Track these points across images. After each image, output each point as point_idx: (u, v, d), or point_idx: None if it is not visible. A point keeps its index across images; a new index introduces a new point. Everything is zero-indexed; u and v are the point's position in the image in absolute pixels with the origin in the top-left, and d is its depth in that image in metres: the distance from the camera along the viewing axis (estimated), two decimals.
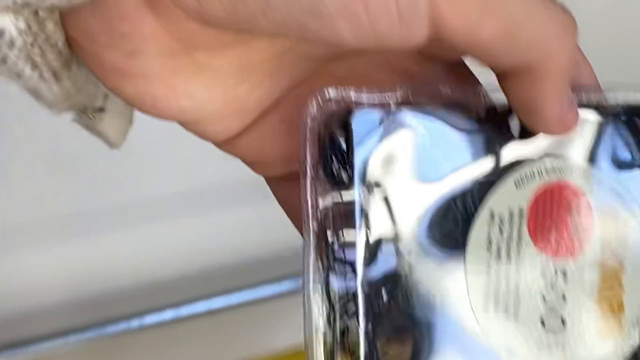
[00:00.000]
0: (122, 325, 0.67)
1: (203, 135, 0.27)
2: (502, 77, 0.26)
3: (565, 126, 0.27)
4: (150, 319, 0.68)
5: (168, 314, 0.67)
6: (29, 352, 0.66)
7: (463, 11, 0.23)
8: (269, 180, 0.30)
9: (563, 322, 0.28)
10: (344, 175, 0.26)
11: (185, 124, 0.27)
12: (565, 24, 0.25)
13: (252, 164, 0.29)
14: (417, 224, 0.27)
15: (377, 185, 0.26)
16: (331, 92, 0.26)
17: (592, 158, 0.28)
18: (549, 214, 0.28)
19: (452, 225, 0.27)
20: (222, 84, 0.26)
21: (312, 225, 0.26)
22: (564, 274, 0.28)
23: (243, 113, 0.27)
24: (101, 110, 0.28)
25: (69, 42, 0.25)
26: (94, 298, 0.69)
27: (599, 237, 0.28)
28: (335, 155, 0.26)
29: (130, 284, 0.70)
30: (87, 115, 0.28)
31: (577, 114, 0.27)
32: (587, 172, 0.28)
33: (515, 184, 0.28)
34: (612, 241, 0.28)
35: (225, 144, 0.28)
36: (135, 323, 0.67)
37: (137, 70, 0.25)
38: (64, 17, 0.24)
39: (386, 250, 0.26)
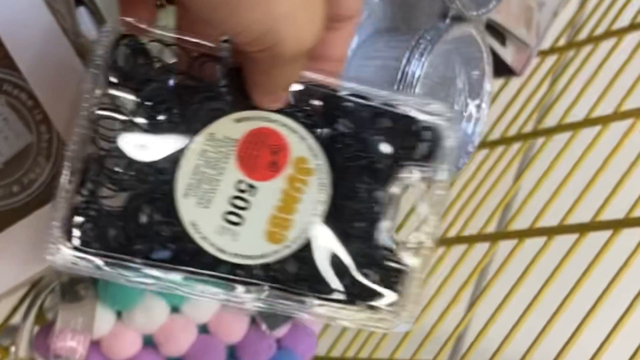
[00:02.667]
0: None
1: None
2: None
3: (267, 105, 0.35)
4: None
5: None
6: None
7: None
8: None
9: (241, 221, 0.38)
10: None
11: None
12: (297, 22, 0.29)
13: None
14: None
15: None
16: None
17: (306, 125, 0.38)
18: (255, 147, 0.38)
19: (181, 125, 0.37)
20: None
21: None
22: (254, 190, 0.38)
23: None
24: None
25: None
26: None
27: (287, 172, 0.38)
28: None
29: None
30: None
31: (277, 102, 0.35)
32: (297, 129, 0.38)
33: (235, 120, 0.38)
34: (291, 183, 0.39)
35: None
36: None
37: None
38: None
39: None
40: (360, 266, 0.39)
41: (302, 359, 0.53)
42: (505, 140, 0.70)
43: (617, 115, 0.60)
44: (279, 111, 0.37)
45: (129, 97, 0.37)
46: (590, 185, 0.57)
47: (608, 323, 0.49)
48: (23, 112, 0.48)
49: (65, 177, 0.36)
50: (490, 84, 0.60)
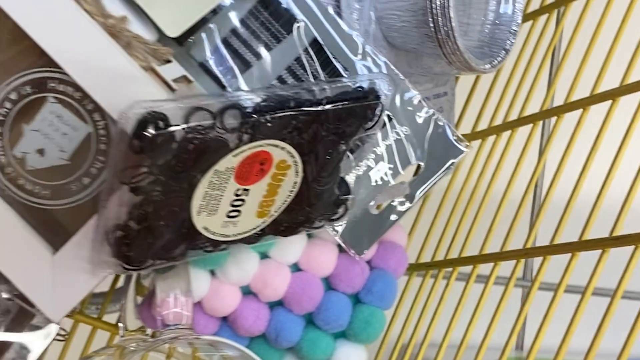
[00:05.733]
0: None
1: None
2: None
3: None
4: None
5: None
6: None
7: None
8: None
9: (239, 214, 0.46)
10: None
11: None
12: None
13: None
14: None
15: None
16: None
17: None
18: (249, 165, 0.45)
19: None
20: None
21: None
22: (247, 192, 0.46)
23: None
24: None
25: None
26: None
27: (272, 172, 0.46)
28: None
29: None
30: None
31: None
32: (276, 143, 0.45)
33: (233, 156, 0.44)
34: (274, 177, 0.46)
35: None
36: None
37: None
38: None
39: None
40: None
41: (395, 273, 0.55)
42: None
43: None
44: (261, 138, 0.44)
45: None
46: None
47: None
48: (73, 105, 0.49)
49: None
50: None
